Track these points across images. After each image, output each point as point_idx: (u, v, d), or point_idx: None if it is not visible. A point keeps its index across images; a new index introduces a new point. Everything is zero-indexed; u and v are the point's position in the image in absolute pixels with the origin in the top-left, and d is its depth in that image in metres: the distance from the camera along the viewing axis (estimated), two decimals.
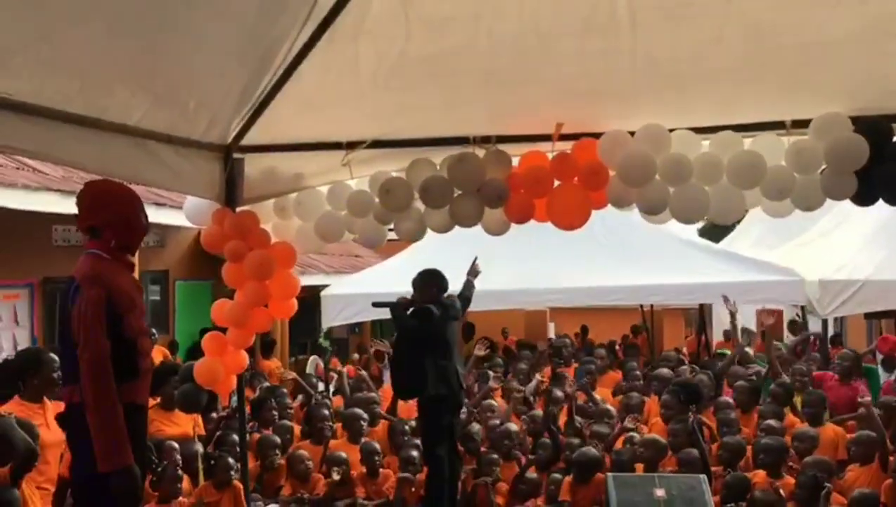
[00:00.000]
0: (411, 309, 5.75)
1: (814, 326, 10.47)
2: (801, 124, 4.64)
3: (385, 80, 4.62)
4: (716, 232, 13.99)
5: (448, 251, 9.20)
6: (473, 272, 6.35)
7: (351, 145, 5.04)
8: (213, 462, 5.26)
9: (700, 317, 12.23)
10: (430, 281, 5.79)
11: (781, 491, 5.34)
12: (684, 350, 12.43)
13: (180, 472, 4.90)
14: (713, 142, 4.76)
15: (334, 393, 7.55)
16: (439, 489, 5.34)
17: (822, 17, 4.09)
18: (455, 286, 8.64)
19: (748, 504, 5.42)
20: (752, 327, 17.30)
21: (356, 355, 12.29)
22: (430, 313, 5.59)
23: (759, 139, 4.71)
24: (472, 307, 13.40)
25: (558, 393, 6.72)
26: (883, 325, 14.07)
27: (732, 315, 7.52)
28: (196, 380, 4.89)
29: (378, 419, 6.61)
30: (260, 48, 4.36)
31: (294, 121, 4.95)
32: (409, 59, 4.43)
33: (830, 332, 15.01)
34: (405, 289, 8.63)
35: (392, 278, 8.94)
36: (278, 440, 5.95)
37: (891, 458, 5.42)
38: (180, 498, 4.88)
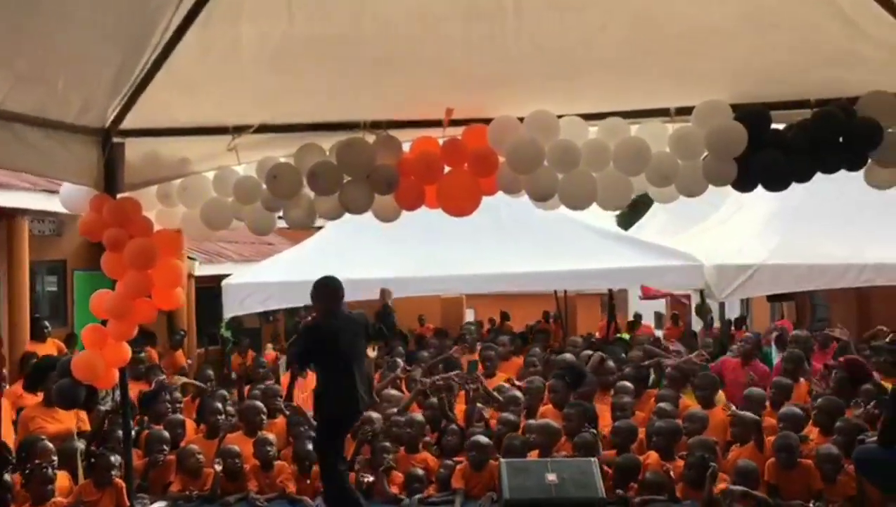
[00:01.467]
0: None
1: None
2: (685, 112, 4.71)
3: (269, 62, 4.51)
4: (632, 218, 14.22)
5: (357, 236, 9.14)
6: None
7: (237, 130, 4.90)
8: (93, 460, 5.06)
9: (609, 302, 12.43)
10: (320, 295, 5.39)
11: (672, 473, 5.46)
12: (597, 335, 12.63)
13: (52, 472, 4.68)
14: (601, 128, 4.79)
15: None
16: (331, 489, 5.22)
17: (704, 7, 4.17)
18: (364, 272, 8.64)
19: (639, 486, 5.52)
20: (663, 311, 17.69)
21: (270, 345, 12.07)
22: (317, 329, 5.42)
23: (645, 126, 4.77)
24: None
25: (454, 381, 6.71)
26: (785, 308, 14.60)
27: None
28: (74, 375, 4.68)
29: (277, 412, 6.47)
30: (133, 27, 4.18)
31: (176, 104, 4.79)
32: (293, 41, 4.33)
33: (738, 314, 15.61)
34: (308, 277, 8.52)
35: (296, 266, 8.82)
36: (167, 435, 5.76)
37: (769, 439, 5.59)
38: (56, 498, 4.67)
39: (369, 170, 4.76)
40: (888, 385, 6.13)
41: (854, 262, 8.32)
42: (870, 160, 4.55)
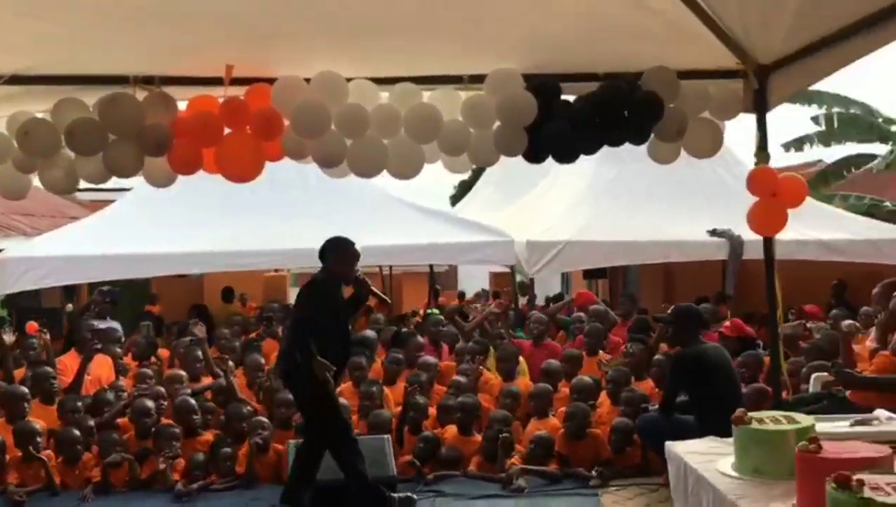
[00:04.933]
0: None
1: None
2: (478, 80, 4.60)
3: (22, 3, 3.96)
4: None
5: (160, 207, 8.52)
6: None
7: None
8: None
9: (430, 277, 12.41)
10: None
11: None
12: (420, 312, 12.59)
13: None
14: (392, 94, 4.59)
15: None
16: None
17: None
18: (167, 245, 8.02)
19: (434, 461, 5.45)
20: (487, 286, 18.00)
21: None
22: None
23: (437, 93, 4.62)
24: (203, 271, 12.54)
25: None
26: (600, 284, 15.19)
27: None
28: None
29: (54, 397, 5.88)
30: None
31: None
32: None
33: (558, 290, 16.09)
34: (94, 252, 7.89)
35: (81, 240, 8.13)
36: None
37: (560, 410, 5.67)
38: None
39: (138, 129, 4.33)
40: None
41: (656, 238, 8.65)
42: (652, 135, 4.62)
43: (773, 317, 4.73)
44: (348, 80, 4.50)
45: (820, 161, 13.65)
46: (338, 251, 4.95)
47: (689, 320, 5.11)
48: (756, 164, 4.65)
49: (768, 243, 4.71)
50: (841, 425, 3.42)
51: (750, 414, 3.15)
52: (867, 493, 2.18)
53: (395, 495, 4.77)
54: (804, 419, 3.09)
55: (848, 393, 4.45)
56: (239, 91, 4.52)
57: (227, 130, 4.47)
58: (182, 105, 4.55)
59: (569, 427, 5.44)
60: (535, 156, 4.62)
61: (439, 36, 4.46)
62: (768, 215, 4.54)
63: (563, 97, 4.62)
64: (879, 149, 13.14)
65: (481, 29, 4.40)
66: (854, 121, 12.75)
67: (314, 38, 4.42)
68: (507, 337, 6.97)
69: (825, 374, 5.09)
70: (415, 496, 4.86)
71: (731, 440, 3.30)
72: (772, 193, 4.52)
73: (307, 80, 4.45)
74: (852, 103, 12.85)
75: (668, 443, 3.64)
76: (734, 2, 4.03)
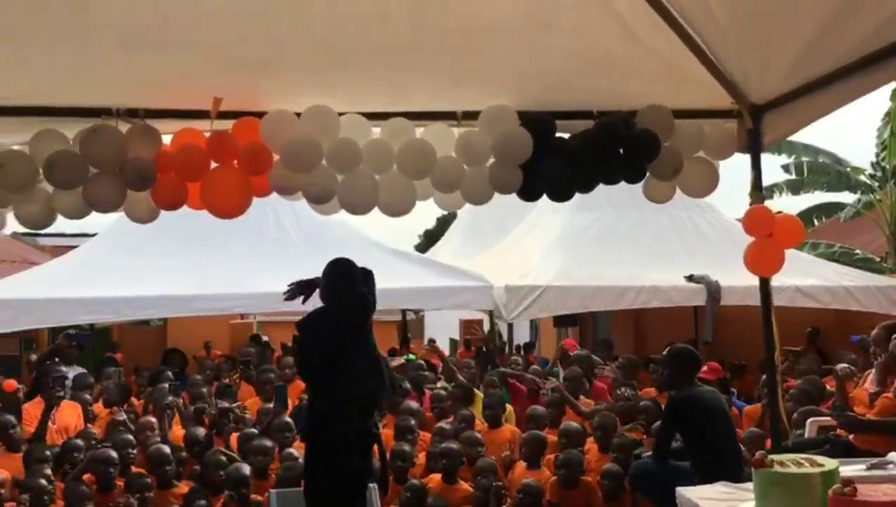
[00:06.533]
0: None
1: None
2: (472, 116, 4.52)
3: None
4: None
5: (130, 249, 8.27)
6: None
7: None
8: None
9: (402, 323, 12.21)
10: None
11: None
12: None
13: None
14: (384, 129, 4.49)
15: None
16: None
17: (480, 2, 3.94)
18: (133, 289, 7.75)
19: None
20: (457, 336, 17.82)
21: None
22: None
23: (430, 129, 4.53)
24: (169, 316, 12.20)
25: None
26: (570, 331, 15.12)
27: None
28: None
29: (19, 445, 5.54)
30: None
31: None
32: (16, 4, 3.64)
33: (527, 338, 16.00)
34: (58, 295, 7.56)
35: (46, 282, 7.84)
36: None
37: (549, 456, 5.51)
38: None
39: (120, 162, 4.16)
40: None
41: (632, 284, 8.61)
42: (648, 173, 4.58)
43: (770, 359, 4.65)
44: (340, 114, 4.39)
45: (780, 212, 13.88)
46: None
47: (684, 362, 5.01)
48: (751, 203, 4.61)
49: (765, 285, 4.65)
50: (856, 468, 3.32)
51: (770, 457, 3.03)
52: None
53: None
54: (827, 462, 2.98)
55: (851, 437, 4.36)
56: (226, 125, 4.39)
57: (213, 165, 4.32)
58: (167, 139, 4.39)
59: (562, 475, 5.26)
60: (530, 194, 4.53)
61: (432, 71, 4.39)
62: (766, 256, 4.49)
63: (558, 134, 4.56)
64: (847, 197, 13.40)
65: (475, 65, 4.34)
66: (823, 169, 12.99)
67: (304, 71, 4.32)
68: (497, 385, 6.78)
69: (821, 418, 5.01)
70: None
71: (743, 485, 3.18)
72: (768, 234, 4.48)
73: (297, 114, 4.33)
74: (821, 153, 13.11)
75: (679, 489, 3.50)
76: (733, 43, 4.03)
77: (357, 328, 4.38)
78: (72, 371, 7.69)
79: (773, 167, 13.12)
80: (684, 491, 3.46)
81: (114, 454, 5.27)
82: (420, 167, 4.40)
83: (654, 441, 5.18)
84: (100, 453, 5.26)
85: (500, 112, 4.44)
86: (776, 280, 8.55)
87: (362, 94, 4.48)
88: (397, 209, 4.47)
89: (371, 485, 5.00)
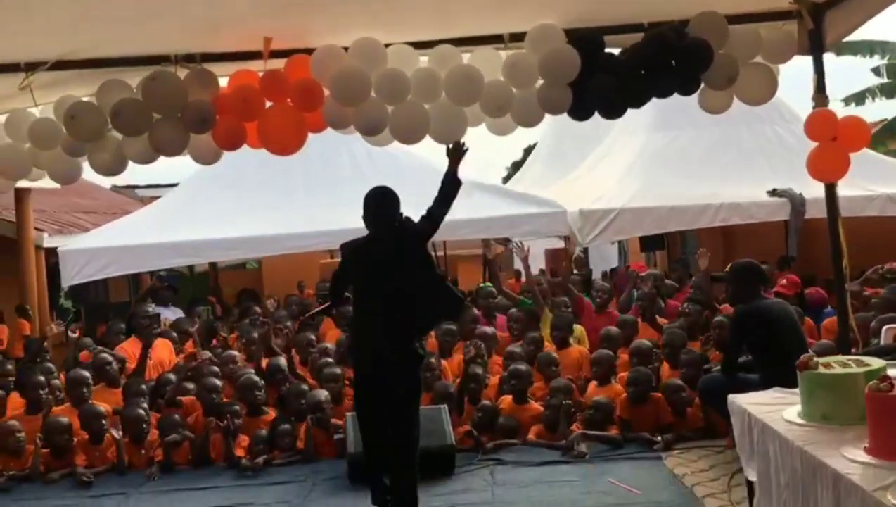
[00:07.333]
0: None
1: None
2: (519, 38, 4.49)
3: None
4: None
5: (215, 193, 8.60)
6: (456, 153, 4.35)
7: (30, 67, 4.39)
8: None
9: (484, 255, 12.26)
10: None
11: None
12: None
13: None
14: (431, 57, 4.52)
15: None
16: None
17: None
18: (223, 231, 8.12)
19: (493, 430, 5.40)
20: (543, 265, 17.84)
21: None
22: None
23: (477, 54, 4.53)
24: (255, 257, 12.66)
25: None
26: (658, 255, 14.91)
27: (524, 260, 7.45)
28: None
29: (118, 381, 5.99)
30: None
31: None
32: None
33: (615, 264, 15.87)
34: (152, 240, 7.98)
35: (140, 228, 8.26)
36: None
37: (622, 374, 5.55)
38: None
39: (181, 107, 4.35)
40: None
41: (711, 202, 8.42)
42: (703, 84, 4.46)
43: (838, 269, 4.54)
44: (386, 45, 4.44)
45: (884, 120, 13.16)
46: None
47: (748, 276, 4.92)
48: (814, 107, 4.45)
49: (830, 191, 4.51)
50: None
51: (816, 359, 3.01)
52: None
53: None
54: (874, 362, 2.94)
55: None
56: (278, 64, 4.51)
57: (268, 104, 4.46)
58: (223, 81, 4.55)
59: (632, 392, 5.32)
60: (580, 113, 4.49)
61: None
62: (829, 160, 4.35)
63: (607, 50, 4.48)
64: None
65: None
66: None
67: (350, 5, 4.35)
68: (569, 304, 6.80)
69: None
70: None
71: (796, 390, 3.16)
72: (832, 137, 4.32)
73: (345, 48, 4.41)
74: None
75: (730, 396, 3.51)
76: None
77: (410, 250, 4.38)
78: (170, 313, 8.18)
79: (864, 71, 12.39)
80: (736, 398, 3.46)
81: (218, 381, 5.63)
82: (468, 93, 4.43)
83: (722, 356, 5.16)
84: (207, 380, 5.61)
85: (546, 31, 4.39)
86: (865, 189, 8.25)
87: (407, 24, 4.50)
88: (448, 137, 4.51)
89: (442, 406, 5.21)
